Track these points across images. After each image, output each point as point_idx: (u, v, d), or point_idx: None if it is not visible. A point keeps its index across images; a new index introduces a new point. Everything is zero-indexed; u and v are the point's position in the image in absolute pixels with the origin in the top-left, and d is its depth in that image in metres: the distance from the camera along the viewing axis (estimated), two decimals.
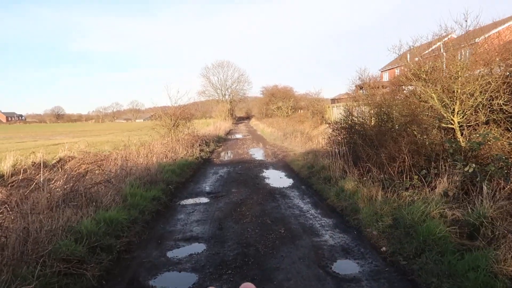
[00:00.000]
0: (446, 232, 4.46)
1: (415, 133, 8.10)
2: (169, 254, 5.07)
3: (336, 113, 28.02)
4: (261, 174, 11.57)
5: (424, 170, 6.61)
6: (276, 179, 10.91)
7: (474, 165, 5.79)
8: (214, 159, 15.81)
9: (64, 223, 4.91)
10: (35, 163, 13.26)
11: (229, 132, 35.42)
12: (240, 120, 70.74)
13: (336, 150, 9.82)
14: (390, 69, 41.21)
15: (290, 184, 9.92)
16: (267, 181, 10.54)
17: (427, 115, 8.67)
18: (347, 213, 6.51)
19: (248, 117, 77.43)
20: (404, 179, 6.69)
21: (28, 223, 4.61)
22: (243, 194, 8.62)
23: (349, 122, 11.11)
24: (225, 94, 68.63)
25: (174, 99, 21.46)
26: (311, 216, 6.61)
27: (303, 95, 46.21)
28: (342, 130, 11.51)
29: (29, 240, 4.14)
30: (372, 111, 10.85)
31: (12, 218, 5.13)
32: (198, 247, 5.30)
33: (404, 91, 10.70)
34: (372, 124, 10.33)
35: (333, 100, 41.97)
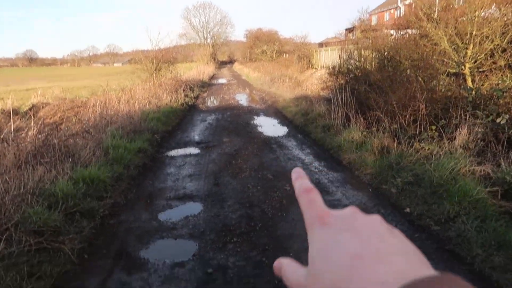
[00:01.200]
0: (485, 193, 3.89)
1: (425, 79, 7.39)
2: (161, 216, 4.41)
3: (324, 58, 26.95)
4: (252, 122, 10.82)
5: (443, 120, 5.97)
6: (269, 127, 10.20)
7: (507, 115, 5.16)
8: (200, 105, 14.90)
9: (35, 185, 4.13)
10: (4, 110, 12.14)
11: (212, 77, 34.03)
12: (222, 64, 68.44)
13: (336, 97, 9.07)
14: (379, 12, 39.61)
15: (286, 133, 9.24)
16: (260, 129, 9.82)
17: (436, 59, 7.93)
18: (356, 167, 5.91)
19: (231, 62, 75.06)
20: (421, 130, 6.06)
21: None
22: (236, 144, 7.91)
23: (350, 67, 10.28)
24: (207, 38, 65.85)
25: (155, 42, 19.99)
26: (316, 170, 6.00)
27: (288, 39, 44.51)
28: (341, 75, 10.71)
29: None
30: (374, 55, 10.01)
31: None
32: (194, 208, 4.65)
33: (411, 34, 9.83)
34: (374, 69, 9.54)
35: (321, 44, 40.47)
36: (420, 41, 8.51)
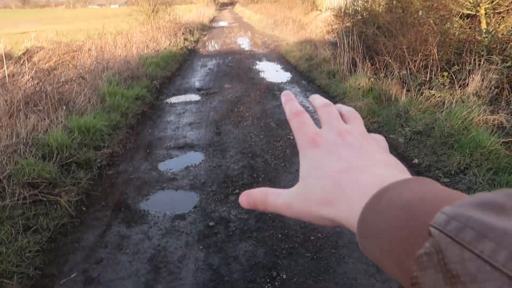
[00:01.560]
0: (498, 144, 3.70)
1: (437, 21, 6.93)
2: (161, 166, 4.28)
3: None
4: (254, 67, 10.43)
5: (455, 66, 5.65)
6: (272, 72, 9.83)
7: None
8: (200, 50, 14.36)
9: (28, 134, 3.96)
10: None
11: (213, 20, 32.69)
12: (223, 6, 65.66)
13: (342, 41, 8.61)
14: None
15: (289, 79, 8.91)
16: (262, 75, 9.47)
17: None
18: (363, 115, 5.68)
19: (231, 3, 72.00)
20: (432, 76, 5.76)
21: None
22: (238, 91, 7.64)
23: (357, 8, 9.69)
24: None
25: None
26: None
27: None
28: (347, 18, 10.13)
29: None
30: None
31: None
32: (195, 157, 4.51)
33: None
34: (383, 10, 8.98)
35: None
36: None
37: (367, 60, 7.25)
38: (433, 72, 5.94)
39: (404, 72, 6.06)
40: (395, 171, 0.33)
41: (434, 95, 5.26)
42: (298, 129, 0.40)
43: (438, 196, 0.27)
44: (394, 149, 4.47)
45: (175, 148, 4.75)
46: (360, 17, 9.59)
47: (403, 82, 6.01)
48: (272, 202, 0.39)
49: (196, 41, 16.67)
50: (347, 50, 8.04)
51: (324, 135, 0.39)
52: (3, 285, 2.38)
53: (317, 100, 0.45)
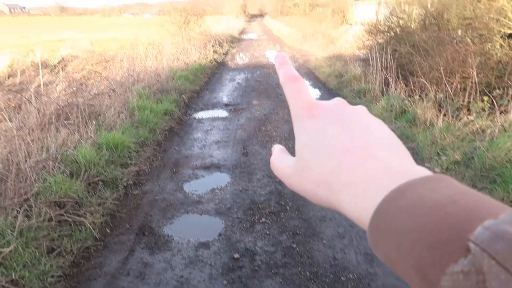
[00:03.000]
0: None
1: (478, 41, 6.65)
2: (187, 187, 4.21)
3: (360, 12, 25.45)
4: None
5: (497, 90, 5.36)
6: None
7: None
8: (229, 62, 14.42)
9: (57, 150, 3.97)
10: (34, 62, 12.12)
11: (242, 31, 33.00)
12: (253, 17, 66.38)
13: (374, 58, 8.41)
14: None
15: (318, 97, 8.76)
16: None
17: (492, 18, 7.09)
18: None
19: (261, 15, 72.79)
20: (471, 100, 5.49)
21: (11, 150, 3.68)
22: (266, 108, 7.55)
23: (391, 24, 9.47)
24: None
25: None
26: None
27: None
28: (380, 34, 9.92)
29: (10, 176, 3.24)
30: (418, 12, 9.14)
31: None
32: (221, 179, 4.42)
33: None
34: (418, 27, 8.73)
35: None
36: None
37: (400, 80, 7.02)
38: (472, 96, 5.67)
39: (441, 95, 5.81)
40: (399, 158, 0.31)
41: (473, 121, 5.00)
42: (293, 96, 0.38)
43: (472, 202, 0.24)
44: None
45: (201, 168, 4.68)
46: (393, 34, 9.37)
47: (439, 105, 5.76)
48: (277, 165, 0.38)
49: (225, 54, 16.77)
50: (379, 68, 7.83)
51: (323, 105, 0.37)
52: None
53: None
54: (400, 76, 7.22)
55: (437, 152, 4.63)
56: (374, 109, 6.67)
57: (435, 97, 5.86)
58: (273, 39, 25.45)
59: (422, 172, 0.29)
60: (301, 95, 0.37)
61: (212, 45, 16.15)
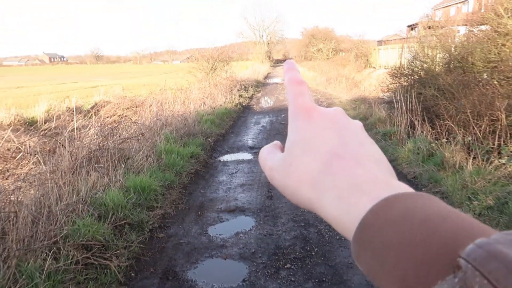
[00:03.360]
0: None
1: (502, 83, 6.57)
2: (211, 231, 4.20)
3: (383, 56, 25.78)
4: None
5: None
6: None
7: None
8: (254, 106, 14.72)
9: (87, 192, 4.09)
10: (69, 108, 12.75)
11: (267, 76, 33.89)
12: (277, 63, 68.21)
13: (399, 101, 8.40)
14: (444, 7, 37.16)
15: None
16: None
17: None
18: (423, 183, 5.34)
19: (286, 60, 74.63)
20: (501, 143, 5.36)
21: (43, 193, 3.82)
22: None
23: (414, 68, 9.53)
24: (262, 36, 65.95)
25: (212, 41, 20.13)
26: None
27: (345, 37, 43.55)
28: (403, 77, 9.97)
29: (42, 218, 3.34)
30: (442, 55, 9.19)
31: (30, 183, 4.38)
32: (245, 223, 4.40)
33: (486, 31, 8.89)
34: (442, 71, 8.74)
35: (380, 42, 38.99)
36: (499, 40, 7.63)
37: (426, 123, 6.95)
38: (502, 139, 5.53)
39: (469, 138, 5.70)
40: (387, 174, 0.32)
41: (505, 164, 4.84)
42: (294, 97, 0.39)
43: (462, 220, 0.23)
44: None
45: (225, 211, 4.69)
46: (417, 77, 9.40)
47: (468, 148, 5.64)
48: (265, 156, 0.39)
49: (251, 98, 17.17)
50: (404, 111, 7.80)
51: (321, 110, 0.38)
52: None
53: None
54: (426, 119, 7.16)
55: (468, 197, 4.48)
56: (400, 152, 6.59)
57: (463, 140, 5.74)
58: None
59: (410, 189, 0.29)
60: (302, 97, 0.38)
61: (238, 90, 16.61)
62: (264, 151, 0.40)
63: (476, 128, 5.85)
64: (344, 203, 0.29)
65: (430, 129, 6.68)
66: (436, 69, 9.14)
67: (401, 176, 5.84)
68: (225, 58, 20.78)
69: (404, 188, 0.29)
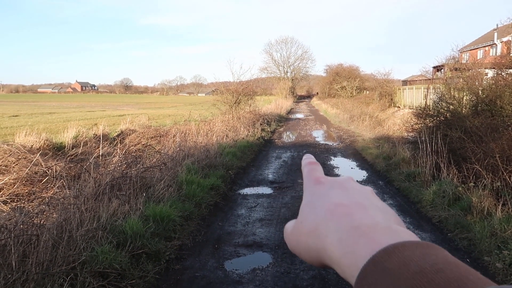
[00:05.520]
0: None
1: None
2: (228, 265, 4.13)
3: (408, 96, 25.65)
4: (329, 162, 10.34)
5: None
6: (347, 169, 9.63)
7: None
8: (276, 141, 14.77)
9: (107, 219, 4.12)
10: (96, 135, 13.11)
11: (290, 111, 34.16)
12: (301, 98, 68.93)
13: (424, 142, 8.26)
14: (471, 49, 37.12)
15: (365, 178, 8.61)
16: (337, 171, 9.31)
17: None
18: (449, 228, 5.14)
19: (309, 96, 75.51)
20: None
21: (65, 218, 3.87)
22: None
23: (440, 109, 9.43)
24: (287, 72, 67.09)
25: (237, 75, 20.57)
26: None
27: (369, 75, 43.75)
28: (429, 118, 9.85)
29: (62, 243, 3.37)
30: (469, 97, 9.08)
31: (53, 206, 4.47)
32: (262, 259, 4.30)
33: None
34: (469, 113, 8.61)
35: (405, 82, 38.99)
36: None
37: (453, 166, 6.79)
38: None
39: (498, 183, 5.51)
40: (390, 221, 0.33)
41: None
42: (308, 173, 0.42)
43: (457, 273, 0.24)
44: (491, 276, 3.86)
45: (243, 246, 4.61)
46: (443, 118, 9.27)
47: (497, 194, 5.44)
48: (285, 227, 0.42)
49: (273, 132, 17.27)
50: (429, 152, 7.65)
51: (331, 178, 0.41)
52: None
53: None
54: (452, 161, 6.99)
55: (498, 245, 4.28)
56: (425, 194, 6.41)
57: (492, 185, 5.55)
58: (320, 119, 26.01)
59: (411, 236, 0.30)
60: (315, 172, 0.42)
61: (261, 124, 16.76)
62: (286, 224, 0.42)
63: (505, 174, 5.67)
64: (344, 245, 0.30)
65: (457, 172, 6.51)
66: (463, 111, 9.01)
67: (426, 219, 5.65)
68: (249, 93, 21.14)
69: (406, 234, 0.30)
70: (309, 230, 0.34)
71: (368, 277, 0.27)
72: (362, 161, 10.64)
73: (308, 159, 0.47)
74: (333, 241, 0.31)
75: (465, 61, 26.55)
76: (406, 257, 0.26)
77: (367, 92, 39.06)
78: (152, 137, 13.15)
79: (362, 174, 9.00)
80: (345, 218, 0.32)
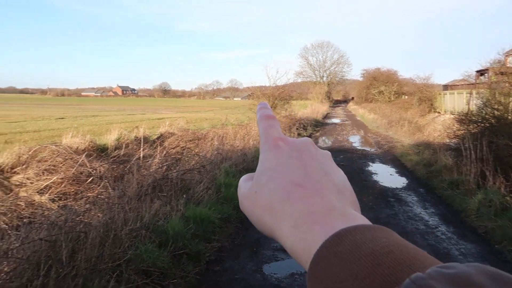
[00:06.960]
0: None
1: None
2: (266, 269, 4.16)
3: (449, 101, 24.73)
4: (367, 168, 10.15)
5: None
6: (386, 176, 9.41)
7: None
8: None
9: (150, 220, 4.26)
10: (137, 137, 13.56)
11: (326, 116, 33.82)
12: (337, 103, 68.03)
13: (468, 149, 7.94)
14: None
15: (405, 185, 8.39)
16: (375, 177, 9.12)
17: None
18: (496, 239, 4.92)
19: (345, 101, 74.39)
20: None
21: (110, 217, 4.04)
22: None
23: (486, 115, 9.04)
24: (323, 76, 66.54)
25: (273, 80, 20.63)
26: (444, 237, 5.16)
27: (408, 80, 42.49)
28: (473, 124, 9.46)
29: (108, 241, 3.52)
30: None
31: (99, 206, 4.67)
32: None
33: None
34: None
35: (446, 87, 37.64)
36: None
37: (499, 174, 6.49)
38: None
39: None
40: (346, 203, 0.33)
41: None
42: (264, 130, 0.41)
43: (405, 254, 0.25)
44: None
45: (281, 250, 4.62)
46: (488, 125, 8.88)
47: None
48: (239, 184, 0.40)
49: (309, 137, 17.07)
50: (474, 160, 7.35)
51: (289, 140, 0.39)
52: None
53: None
54: (498, 169, 6.69)
55: None
56: (469, 203, 6.16)
57: None
58: (356, 124, 25.58)
59: (364, 220, 0.31)
60: (271, 129, 0.40)
61: (297, 128, 16.73)
62: (242, 178, 0.41)
63: None
64: (298, 231, 0.30)
65: (504, 181, 6.22)
66: (510, 117, 8.59)
67: (471, 229, 5.43)
68: (285, 97, 21.15)
69: (359, 219, 0.31)
70: (264, 204, 0.34)
71: (321, 262, 0.27)
72: (402, 168, 10.37)
73: (263, 110, 0.44)
74: (288, 226, 0.31)
75: (510, 65, 25.29)
76: (357, 240, 0.27)
77: (406, 97, 38.01)
78: (190, 140, 13.42)
79: (402, 181, 8.77)
80: (301, 202, 0.32)
